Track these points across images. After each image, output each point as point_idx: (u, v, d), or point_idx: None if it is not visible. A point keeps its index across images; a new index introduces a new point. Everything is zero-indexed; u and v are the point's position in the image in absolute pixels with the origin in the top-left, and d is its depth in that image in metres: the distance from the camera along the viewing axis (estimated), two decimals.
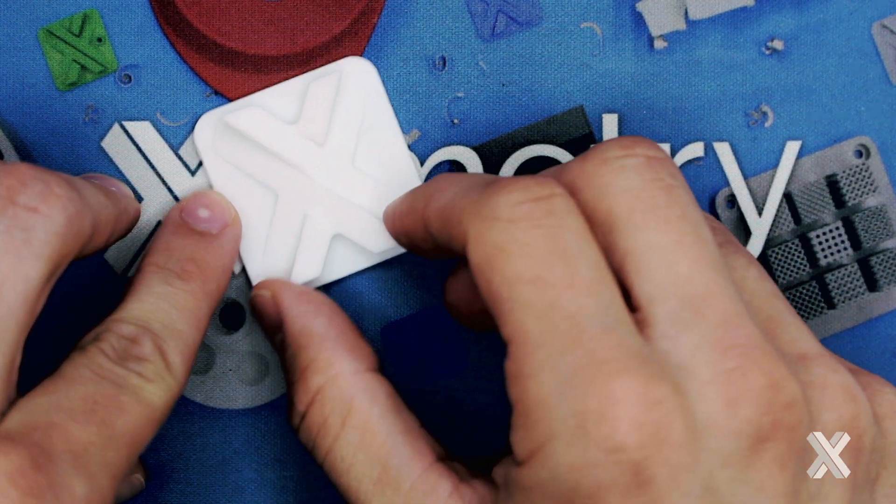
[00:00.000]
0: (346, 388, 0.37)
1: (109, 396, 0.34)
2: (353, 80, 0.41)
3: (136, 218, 0.40)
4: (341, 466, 0.36)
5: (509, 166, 0.43)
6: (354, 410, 0.36)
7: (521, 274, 0.32)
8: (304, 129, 0.41)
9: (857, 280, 0.44)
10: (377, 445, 0.36)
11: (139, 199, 0.43)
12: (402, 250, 0.41)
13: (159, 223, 0.43)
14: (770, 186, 0.44)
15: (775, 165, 0.44)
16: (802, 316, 0.44)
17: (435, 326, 0.44)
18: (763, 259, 0.44)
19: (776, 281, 0.44)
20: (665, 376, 0.31)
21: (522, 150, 0.43)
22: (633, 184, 0.33)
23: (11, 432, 0.32)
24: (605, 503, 0.30)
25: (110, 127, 0.43)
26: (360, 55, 0.43)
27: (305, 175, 0.40)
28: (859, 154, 0.44)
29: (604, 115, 0.44)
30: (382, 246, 0.41)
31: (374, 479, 0.36)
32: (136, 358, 0.35)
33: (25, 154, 0.43)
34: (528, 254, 0.32)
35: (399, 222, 0.39)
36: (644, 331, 0.32)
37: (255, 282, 0.41)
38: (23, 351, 0.34)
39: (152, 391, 0.35)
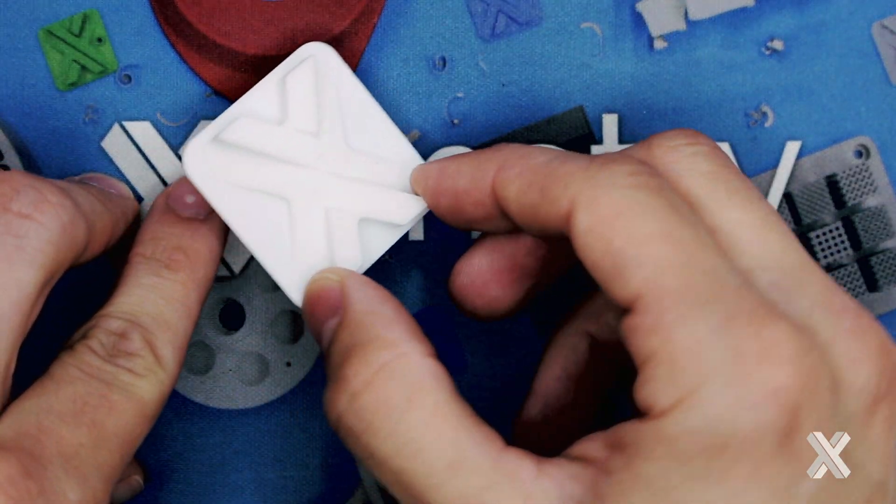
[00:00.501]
0: (415, 368, 0.34)
1: (99, 396, 0.34)
2: (322, 64, 0.39)
3: (135, 219, 0.40)
4: (407, 450, 0.33)
5: None
6: (423, 390, 0.33)
7: (652, 233, 0.32)
8: (296, 124, 0.39)
9: (857, 280, 0.44)
10: (449, 427, 0.33)
11: (139, 199, 0.43)
12: (422, 214, 0.40)
13: None
14: (770, 186, 0.44)
15: (775, 165, 0.44)
16: None
17: (435, 326, 0.44)
18: None
19: None
20: (805, 328, 0.31)
21: None
22: (708, 168, 0.34)
23: (2, 438, 0.32)
24: (759, 447, 0.30)
25: (110, 127, 0.43)
26: (361, 55, 0.43)
27: (313, 170, 0.39)
28: (859, 154, 0.44)
29: (604, 116, 0.44)
30: (409, 215, 0.39)
31: (448, 463, 0.32)
32: (125, 353, 0.35)
33: (25, 154, 0.43)
34: (655, 215, 0.32)
35: (446, 187, 0.37)
36: None
37: (289, 293, 0.38)
38: (18, 355, 0.34)
39: (143, 387, 0.35)
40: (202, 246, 0.38)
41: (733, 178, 0.34)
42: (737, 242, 0.33)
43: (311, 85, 0.39)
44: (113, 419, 0.34)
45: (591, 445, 0.32)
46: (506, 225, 0.36)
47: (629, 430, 0.31)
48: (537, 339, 0.44)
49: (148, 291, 0.37)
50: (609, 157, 0.34)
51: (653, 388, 0.31)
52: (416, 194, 0.39)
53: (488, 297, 0.38)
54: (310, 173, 0.39)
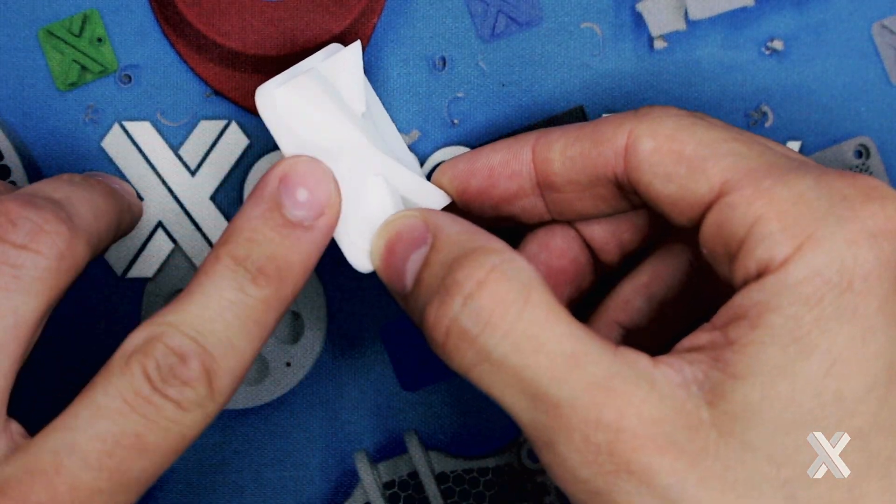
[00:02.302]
0: (526, 269, 0.33)
1: (135, 436, 0.32)
2: (356, 54, 0.38)
3: (139, 216, 0.40)
4: (528, 346, 0.32)
5: None
6: (537, 289, 0.32)
7: (721, 135, 0.34)
8: (346, 99, 0.38)
9: None
10: (565, 323, 0.32)
11: (139, 199, 0.43)
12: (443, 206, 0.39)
13: (159, 223, 0.43)
14: None
15: None
16: None
17: None
18: None
19: None
20: None
21: None
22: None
23: (9, 478, 0.32)
24: (882, 280, 0.31)
25: (110, 127, 0.43)
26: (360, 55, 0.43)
27: (362, 140, 0.37)
28: (859, 154, 0.44)
29: (604, 116, 0.44)
30: (438, 204, 0.39)
31: (569, 355, 0.32)
32: (179, 381, 0.33)
33: (25, 154, 0.43)
34: (716, 126, 0.34)
35: (479, 166, 0.37)
36: None
37: (344, 249, 0.36)
38: (18, 374, 0.34)
39: (186, 422, 0.33)
40: (299, 260, 0.35)
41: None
42: None
43: (360, 67, 0.38)
44: (140, 463, 0.33)
45: (697, 336, 0.32)
46: (535, 206, 0.37)
47: (746, 296, 0.32)
48: None
49: (226, 310, 0.34)
50: (651, 106, 0.35)
51: (767, 245, 0.31)
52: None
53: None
54: (364, 142, 0.37)
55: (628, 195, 0.36)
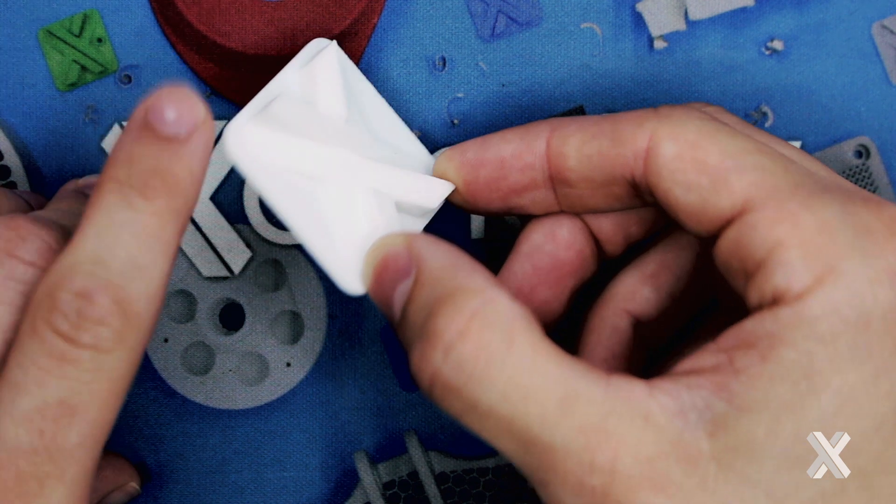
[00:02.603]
0: (507, 310, 0.32)
1: (58, 405, 0.32)
2: (331, 58, 0.38)
3: None
4: (516, 394, 0.31)
5: None
6: (520, 331, 0.32)
7: (745, 147, 0.33)
8: (325, 108, 0.37)
9: None
10: (553, 365, 0.31)
11: None
12: (445, 196, 0.39)
13: None
14: None
15: None
16: None
17: None
18: None
19: None
20: None
21: None
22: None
23: None
24: None
25: (110, 127, 0.43)
26: (361, 55, 0.43)
27: (349, 152, 0.37)
28: (859, 154, 0.44)
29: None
30: (438, 198, 0.38)
31: (559, 400, 0.31)
32: (92, 323, 0.32)
33: (25, 154, 0.43)
34: (740, 136, 0.34)
35: (490, 156, 0.37)
36: None
37: (335, 275, 0.36)
38: None
39: (110, 365, 0.32)
40: (182, 169, 0.34)
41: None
42: None
43: (337, 71, 0.38)
44: (76, 428, 0.32)
45: (702, 357, 0.31)
46: (545, 198, 0.36)
47: (758, 323, 0.31)
48: None
49: (121, 230, 0.33)
50: (671, 106, 0.35)
51: (786, 273, 0.31)
52: (442, 178, 0.38)
53: (537, 302, 0.38)
54: (347, 155, 0.37)
55: (643, 195, 0.35)
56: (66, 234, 0.35)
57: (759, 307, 0.31)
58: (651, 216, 0.38)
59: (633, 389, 0.31)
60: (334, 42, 0.38)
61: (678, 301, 0.38)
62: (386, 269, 0.35)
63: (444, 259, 0.34)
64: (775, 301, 0.31)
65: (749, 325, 0.31)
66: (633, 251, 0.39)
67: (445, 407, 0.33)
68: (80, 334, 0.32)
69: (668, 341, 0.39)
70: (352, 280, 0.36)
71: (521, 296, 0.38)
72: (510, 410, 0.31)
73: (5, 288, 0.33)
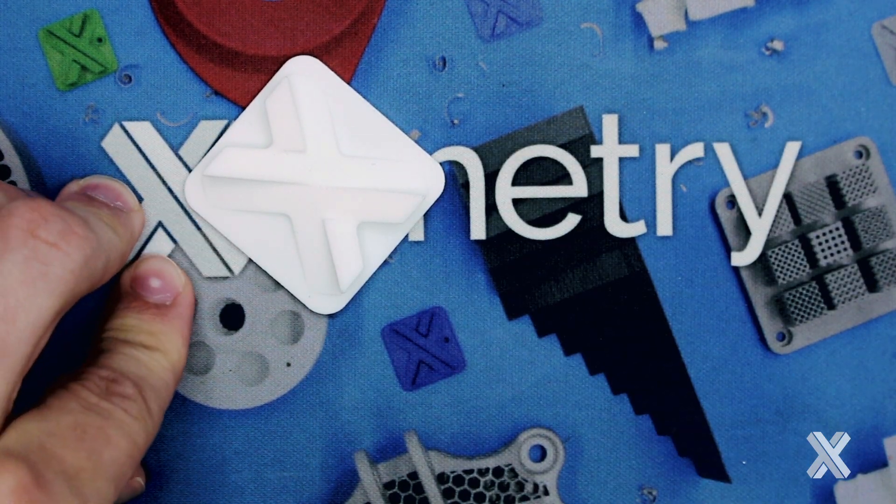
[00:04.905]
0: None
1: (97, 428, 0.35)
2: (304, 79, 0.41)
3: (140, 232, 0.41)
4: None
5: (509, 166, 0.43)
6: None
7: None
8: (282, 144, 0.41)
9: (857, 281, 0.44)
10: None
11: (139, 199, 0.43)
12: (418, 209, 0.41)
13: (159, 223, 0.43)
14: (770, 187, 0.44)
15: (775, 166, 0.44)
16: (803, 316, 0.44)
17: (435, 326, 0.44)
18: (763, 259, 0.44)
19: (776, 281, 0.44)
20: None
21: (522, 150, 0.43)
22: None
23: (11, 449, 0.33)
24: None
25: (110, 127, 0.43)
26: (360, 55, 0.43)
27: (305, 185, 0.41)
28: (859, 155, 0.44)
29: (604, 116, 0.44)
30: (404, 212, 0.41)
31: None
32: (119, 395, 0.36)
33: (25, 154, 0.43)
34: None
35: None
36: None
37: (308, 303, 0.42)
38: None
39: (136, 429, 0.36)
40: (172, 331, 0.40)
41: None
42: None
43: (290, 103, 0.41)
44: (109, 451, 0.35)
45: None
46: None
47: None
48: (537, 339, 0.44)
49: (130, 359, 0.38)
50: None
51: None
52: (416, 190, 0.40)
53: None
54: (302, 189, 0.40)
55: None
56: (85, 219, 0.36)
57: None
58: None
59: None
60: (307, 61, 0.41)
61: None
62: None
63: None
64: None
65: None
66: None
67: None
68: (111, 398, 0.36)
69: None
70: (325, 302, 0.41)
71: None
72: None
73: (28, 268, 0.33)
